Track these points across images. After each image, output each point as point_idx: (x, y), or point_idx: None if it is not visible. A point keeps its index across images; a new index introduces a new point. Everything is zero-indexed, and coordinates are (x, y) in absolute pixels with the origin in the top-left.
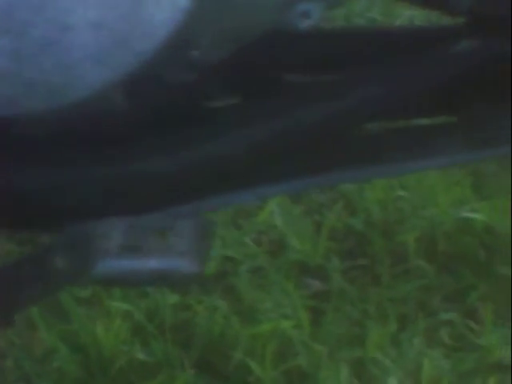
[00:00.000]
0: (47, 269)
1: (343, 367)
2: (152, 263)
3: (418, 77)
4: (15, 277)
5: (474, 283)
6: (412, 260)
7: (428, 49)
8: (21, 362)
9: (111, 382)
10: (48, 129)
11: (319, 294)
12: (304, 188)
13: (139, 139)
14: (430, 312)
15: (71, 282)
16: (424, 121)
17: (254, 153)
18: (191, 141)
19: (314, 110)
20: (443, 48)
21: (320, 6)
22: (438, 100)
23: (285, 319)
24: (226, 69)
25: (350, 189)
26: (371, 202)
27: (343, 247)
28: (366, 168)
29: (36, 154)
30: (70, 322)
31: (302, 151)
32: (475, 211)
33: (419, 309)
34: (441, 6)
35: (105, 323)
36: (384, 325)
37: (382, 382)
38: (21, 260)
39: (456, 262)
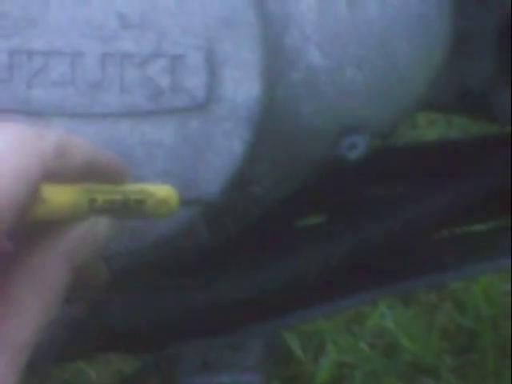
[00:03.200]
0: None
1: None
2: (223, 379)
3: (479, 185)
4: None
5: None
6: None
7: (485, 157)
8: None
9: None
10: (135, 264)
11: None
12: (376, 298)
13: (216, 267)
14: None
15: None
16: (483, 225)
17: (329, 268)
18: (265, 263)
19: (387, 224)
20: (503, 153)
21: (366, 137)
22: (496, 203)
23: None
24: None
25: (458, 287)
26: (479, 298)
27: (456, 345)
28: (434, 275)
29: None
30: None
31: (374, 262)
32: None
33: None
34: (486, 114)
35: None
36: None
37: None
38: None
39: None
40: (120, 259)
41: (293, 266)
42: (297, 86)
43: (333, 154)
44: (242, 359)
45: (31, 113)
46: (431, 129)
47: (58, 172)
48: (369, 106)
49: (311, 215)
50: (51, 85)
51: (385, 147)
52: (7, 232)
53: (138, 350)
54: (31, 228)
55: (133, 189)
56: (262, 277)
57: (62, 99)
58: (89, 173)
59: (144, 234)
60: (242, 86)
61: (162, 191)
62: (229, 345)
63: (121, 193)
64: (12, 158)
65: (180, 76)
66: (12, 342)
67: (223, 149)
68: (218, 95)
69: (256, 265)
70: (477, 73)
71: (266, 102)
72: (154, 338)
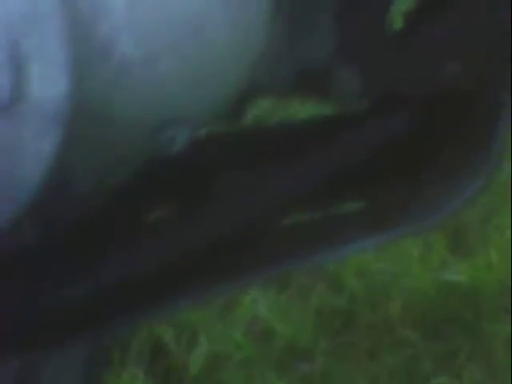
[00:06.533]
0: None
1: None
2: None
3: (326, 165)
4: None
5: (462, 344)
6: (398, 330)
7: (332, 136)
8: None
9: None
10: None
11: (308, 375)
12: (216, 293)
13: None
14: (421, 379)
15: None
16: (333, 209)
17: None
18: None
19: (233, 213)
20: (346, 133)
21: (186, 130)
22: (345, 186)
23: None
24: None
25: (330, 267)
26: (353, 278)
27: (331, 326)
28: (282, 264)
29: None
30: None
31: (217, 255)
32: (457, 273)
33: (410, 377)
34: (329, 94)
35: None
36: None
37: None
38: None
39: (443, 325)
40: None
41: (133, 263)
42: (110, 79)
43: (153, 148)
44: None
45: None
46: (303, 107)
47: None
48: (186, 96)
49: (160, 207)
50: None
51: (233, 132)
52: None
53: None
54: None
55: None
56: (99, 276)
57: None
58: None
59: None
60: (50, 84)
61: None
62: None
63: None
64: None
65: None
66: None
67: (32, 150)
68: (24, 94)
69: (92, 263)
70: (314, 51)
71: (77, 97)
72: None
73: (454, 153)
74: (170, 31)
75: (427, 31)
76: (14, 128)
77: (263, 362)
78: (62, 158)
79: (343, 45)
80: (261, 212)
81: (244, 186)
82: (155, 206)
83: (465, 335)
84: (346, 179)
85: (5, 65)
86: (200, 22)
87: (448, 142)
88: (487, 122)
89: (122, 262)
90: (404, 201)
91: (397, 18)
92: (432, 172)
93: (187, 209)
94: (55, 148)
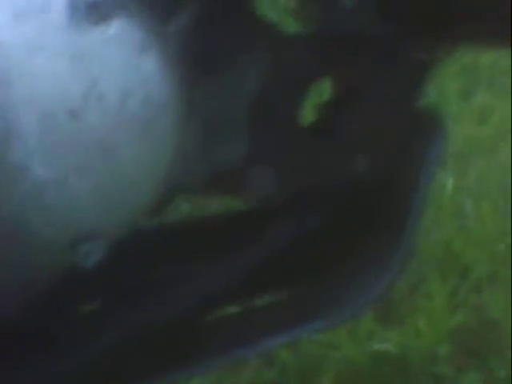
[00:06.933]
0: None
1: None
2: None
3: (251, 258)
4: None
5: None
6: None
7: (251, 231)
8: None
9: None
10: None
11: None
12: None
13: None
14: None
15: None
16: (264, 300)
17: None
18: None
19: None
20: (264, 228)
21: (101, 243)
22: (263, 279)
23: None
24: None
25: None
26: (285, 350)
27: None
28: (210, 357)
29: None
30: None
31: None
32: (386, 342)
33: None
34: (243, 192)
35: None
36: None
37: None
38: None
39: None
40: None
41: (67, 360)
42: (24, 200)
43: (70, 262)
44: None
45: None
46: (220, 203)
47: None
48: (98, 212)
49: (89, 304)
50: None
51: (153, 231)
52: None
53: None
54: None
55: None
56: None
57: None
58: None
59: None
60: None
61: None
62: None
63: None
64: None
65: None
66: None
67: None
68: None
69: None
70: (228, 152)
71: None
72: None
73: (371, 242)
74: (80, 151)
75: (339, 125)
76: None
77: None
78: None
79: (256, 144)
80: (187, 306)
81: (168, 282)
82: (83, 303)
83: None
84: (271, 271)
85: None
86: (109, 140)
87: (364, 233)
88: (400, 210)
89: (57, 359)
90: (331, 291)
91: (309, 112)
92: (354, 261)
93: (115, 305)
94: None
